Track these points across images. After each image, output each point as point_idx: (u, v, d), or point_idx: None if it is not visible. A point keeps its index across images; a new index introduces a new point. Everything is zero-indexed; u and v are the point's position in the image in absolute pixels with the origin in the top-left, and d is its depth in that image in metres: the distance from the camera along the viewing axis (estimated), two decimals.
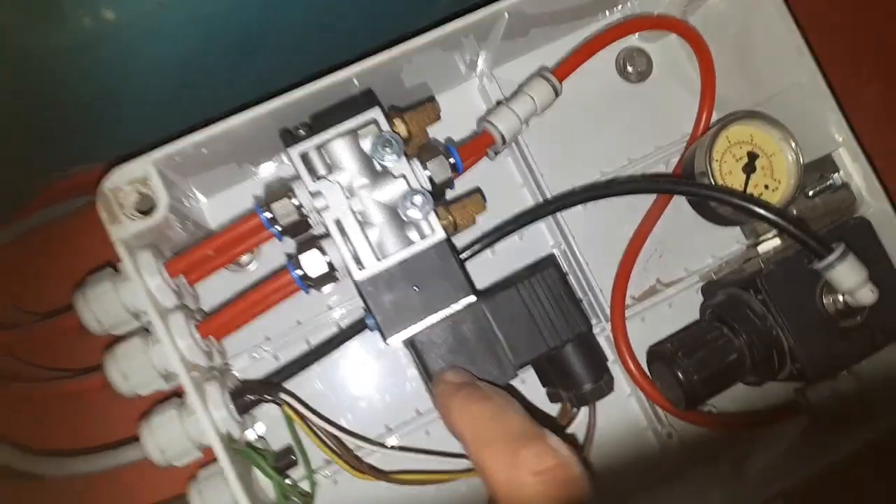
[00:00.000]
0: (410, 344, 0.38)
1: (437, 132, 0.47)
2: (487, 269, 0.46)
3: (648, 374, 0.44)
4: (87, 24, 0.34)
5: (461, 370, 0.36)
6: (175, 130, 0.39)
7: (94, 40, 0.35)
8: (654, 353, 0.43)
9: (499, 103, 0.44)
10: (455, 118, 0.47)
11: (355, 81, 0.39)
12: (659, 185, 0.44)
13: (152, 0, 0.35)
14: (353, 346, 0.45)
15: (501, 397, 0.32)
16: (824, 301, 0.40)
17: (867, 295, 0.38)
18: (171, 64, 0.40)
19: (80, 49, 0.35)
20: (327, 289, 0.45)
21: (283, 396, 0.39)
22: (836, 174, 0.42)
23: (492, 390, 0.34)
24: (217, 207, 0.46)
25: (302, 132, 0.39)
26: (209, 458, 0.38)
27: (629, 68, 0.49)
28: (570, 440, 0.41)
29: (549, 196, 0.46)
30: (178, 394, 0.39)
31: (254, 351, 0.44)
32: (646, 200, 0.47)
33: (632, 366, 0.43)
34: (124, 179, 0.37)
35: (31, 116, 0.40)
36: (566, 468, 0.28)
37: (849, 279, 0.38)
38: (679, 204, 0.47)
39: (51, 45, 0.34)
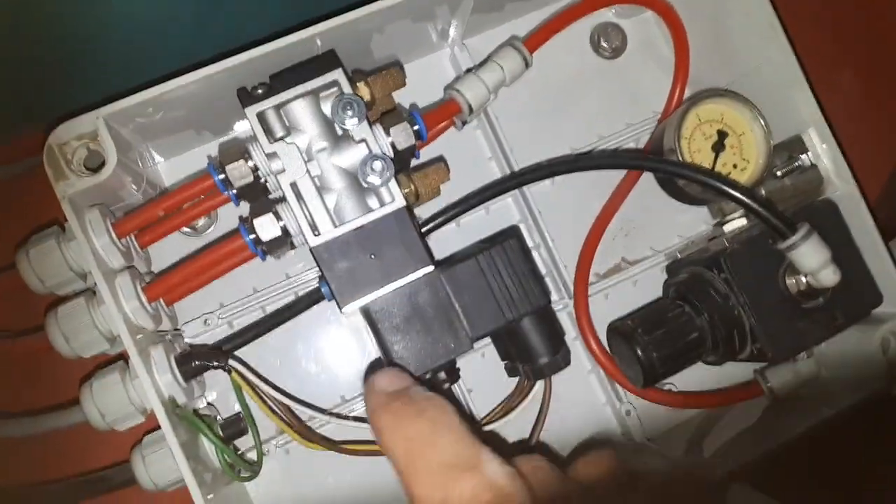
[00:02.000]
0: (365, 313, 0.37)
1: (406, 100, 0.46)
2: (452, 242, 0.45)
3: (609, 350, 0.43)
4: None
5: (396, 373, 0.33)
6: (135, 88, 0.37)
7: None
8: (615, 329, 0.42)
9: (467, 71, 0.43)
10: (425, 87, 0.46)
11: (318, 42, 0.38)
12: (627, 161, 0.43)
13: None
14: (310, 316, 0.44)
15: (436, 410, 0.29)
16: (787, 282, 0.39)
17: (830, 276, 0.38)
18: (135, 20, 0.39)
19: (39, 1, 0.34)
20: (286, 256, 0.44)
21: (232, 363, 0.38)
22: (805, 155, 0.42)
23: (427, 401, 0.30)
24: (175, 169, 0.45)
25: (260, 91, 0.37)
26: (155, 425, 0.37)
27: (603, 44, 0.49)
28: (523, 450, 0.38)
29: (517, 170, 0.45)
30: (122, 357, 0.38)
31: (206, 318, 0.43)
32: (614, 177, 0.47)
33: (592, 342, 0.43)
34: (72, 134, 0.36)
35: None
36: (503, 501, 0.25)
37: (812, 260, 0.38)
38: (647, 182, 0.47)
39: None
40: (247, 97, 0.37)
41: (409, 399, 0.30)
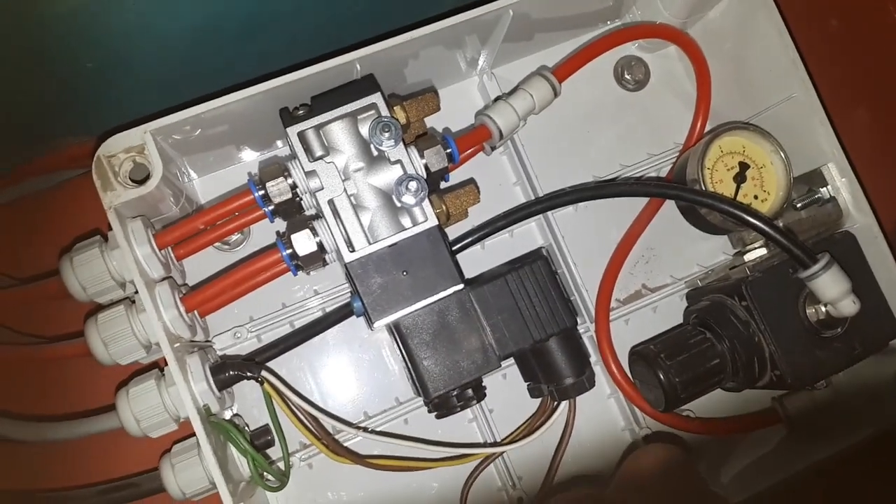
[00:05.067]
0: (395, 328, 0.38)
1: (436, 125, 0.47)
2: (477, 264, 0.46)
3: (630, 375, 0.44)
4: None
5: None
6: (178, 107, 0.39)
7: (102, 8, 0.35)
8: (637, 353, 0.43)
9: (497, 99, 0.44)
10: (454, 114, 0.47)
11: (357, 66, 0.40)
12: (652, 189, 0.45)
13: None
14: (336, 333, 0.45)
15: None
16: (807, 311, 0.40)
17: (849, 306, 0.39)
18: (178, 37, 0.40)
19: (89, 16, 0.35)
20: (315, 273, 0.45)
21: (265, 374, 0.39)
22: (824, 188, 0.43)
23: None
24: (211, 186, 0.46)
25: (301, 112, 0.39)
26: (184, 434, 0.38)
27: (627, 76, 0.50)
28: None
29: (541, 195, 0.46)
30: (157, 366, 0.39)
31: (237, 331, 0.44)
32: (635, 205, 0.48)
33: (613, 366, 0.44)
34: (120, 147, 0.37)
35: (36, 84, 0.41)
36: None
37: (832, 290, 0.38)
38: (668, 211, 0.48)
39: (60, 11, 0.34)
40: (288, 117, 0.39)
41: None
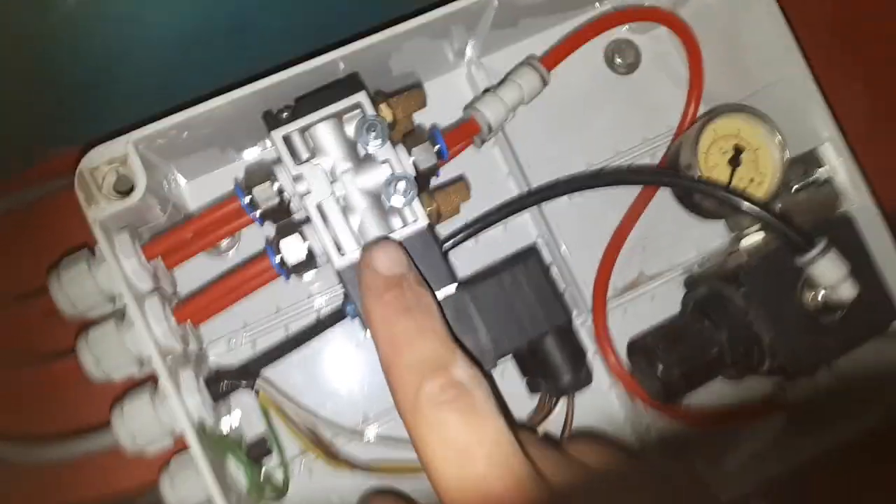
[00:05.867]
0: None
1: (424, 119, 0.46)
2: (470, 258, 0.45)
3: (629, 366, 0.44)
4: (73, 1, 0.34)
5: (394, 253, 0.34)
6: (161, 113, 0.38)
7: (81, 18, 0.35)
8: (635, 345, 0.43)
9: (486, 91, 0.44)
10: (442, 106, 0.46)
11: (341, 65, 0.39)
12: (644, 178, 0.44)
13: None
14: (332, 336, 0.45)
15: (422, 312, 0.31)
16: (805, 296, 0.40)
17: (848, 291, 0.38)
18: (161, 45, 0.39)
19: (68, 27, 0.35)
20: (308, 276, 0.45)
21: (259, 384, 0.38)
22: (821, 169, 0.42)
23: (415, 299, 0.32)
24: (198, 191, 0.45)
25: (285, 115, 0.38)
26: (182, 447, 0.38)
27: (617, 60, 0.49)
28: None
29: (534, 187, 0.45)
30: (151, 379, 0.39)
31: (231, 337, 0.43)
32: (630, 193, 0.47)
33: (612, 358, 0.43)
34: (103, 159, 0.37)
35: (17, 95, 0.40)
36: (465, 397, 0.28)
37: (830, 275, 0.38)
38: (664, 197, 0.47)
39: (41, 23, 0.34)
40: (272, 121, 0.38)
41: (400, 292, 0.32)
